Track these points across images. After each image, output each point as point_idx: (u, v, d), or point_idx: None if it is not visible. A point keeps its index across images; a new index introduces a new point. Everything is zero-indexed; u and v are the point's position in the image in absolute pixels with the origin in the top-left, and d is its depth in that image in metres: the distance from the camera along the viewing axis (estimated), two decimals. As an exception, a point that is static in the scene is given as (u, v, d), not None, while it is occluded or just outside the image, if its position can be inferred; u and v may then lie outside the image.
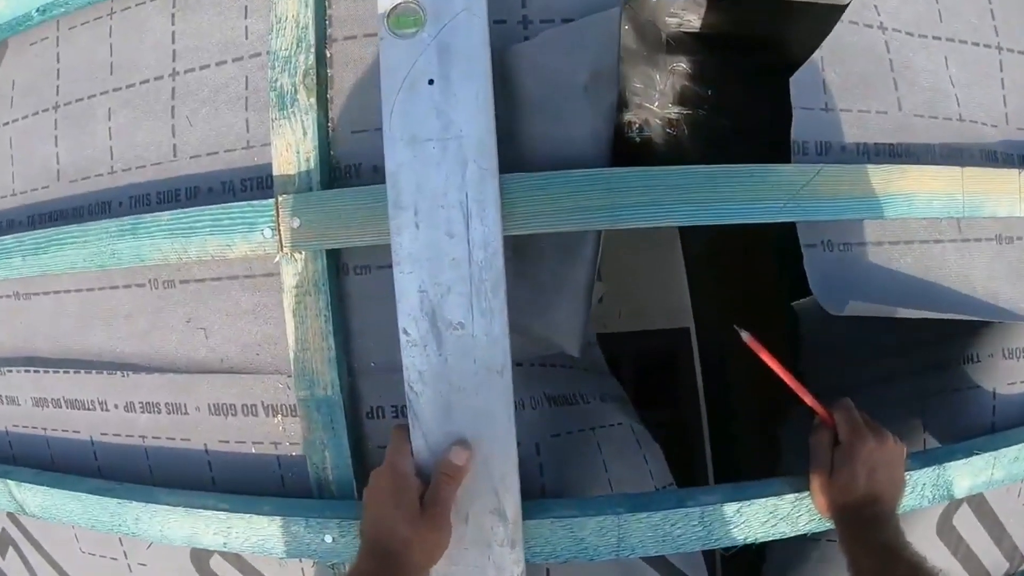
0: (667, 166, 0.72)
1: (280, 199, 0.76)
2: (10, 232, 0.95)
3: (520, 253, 0.75)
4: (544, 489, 0.81)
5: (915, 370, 1.01)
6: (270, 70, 0.79)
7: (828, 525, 0.77)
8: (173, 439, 0.89)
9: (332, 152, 0.79)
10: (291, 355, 0.79)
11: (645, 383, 1.48)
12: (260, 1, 0.82)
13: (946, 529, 0.91)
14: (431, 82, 0.69)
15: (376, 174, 0.76)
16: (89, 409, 0.93)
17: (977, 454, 0.82)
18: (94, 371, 0.91)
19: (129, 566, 0.96)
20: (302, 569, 0.85)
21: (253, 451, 0.85)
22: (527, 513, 0.74)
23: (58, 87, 0.94)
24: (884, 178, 0.76)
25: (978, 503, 0.91)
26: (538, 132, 0.74)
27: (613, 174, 0.72)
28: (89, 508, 0.88)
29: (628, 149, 1.38)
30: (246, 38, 0.83)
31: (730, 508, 0.76)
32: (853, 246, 0.80)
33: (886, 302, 0.79)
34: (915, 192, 0.77)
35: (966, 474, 0.82)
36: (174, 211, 0.81)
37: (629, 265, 1.48)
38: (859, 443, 0.73)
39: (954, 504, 0.90)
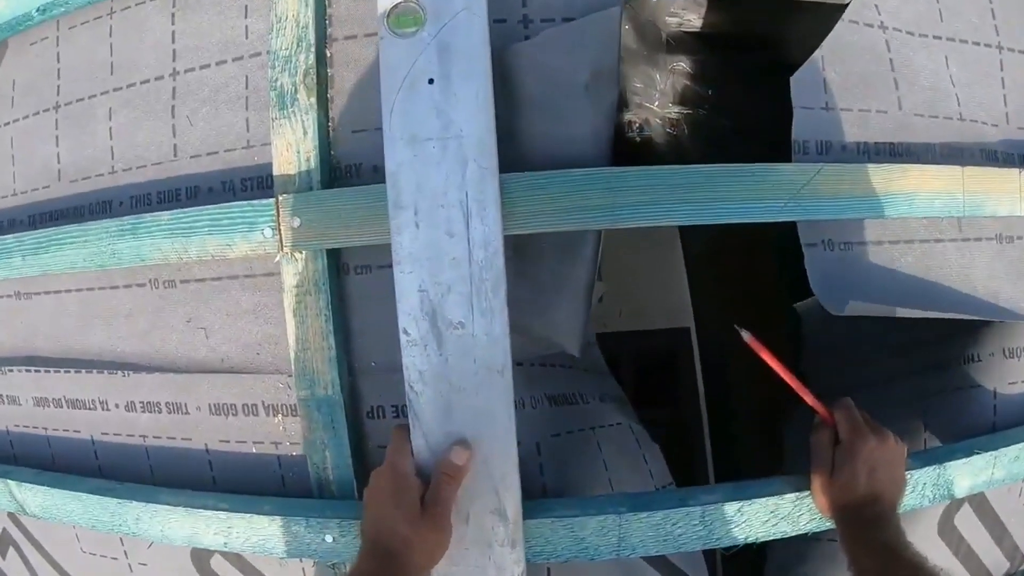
0: (667, 165, 0.72)
1: (280, 199, 0.76)
2: (11, 232, 0.95)
3: (520, 252, 0.75)
4: (545, 489, 0.81)
5: (915, 370, 1.01)
6: (270, 69, 0.79)
7: (829, 524, 0.77)
8: (174, 439, 0.89)
9: (332, 152, 0.79)
10: (292, 355, 0.79)
11: (645, 383, 1.48)
12: (260, 1, 0.82)
13: (947, 529, 0.91)
14: (431, 81, 0.69)
15: (376, 174, 0.76)
16: (90, 409, 0.93)
17: (978, 453, 0.82)
18: (95, 371, 0.91)
19: (130, 566, 0.96)
20: (303, 569, 0.85)
21: (254, 451, 0.85)
22: (528, 513, 0.74)
23: (58, 87, 0.94)
24: (885, 177, 0.76)
25: (979, 502, 0.91)
26: (538, 131, 0.74)
27: (613, 173, 0.72)
28: (90, 508, 0.88)
29: (628, 149, 1.38)
30: (246, 38, 0.83)
31: (731, 507, 0.76)
32: (854, 245, 0.80)
33: (886, 301, 0.79)
34: (916, 191, 0.77)
35: (967, 474, 0.82)
36: (174, 211, 0.81)
37: (629, 265, 1.48)
38: (860, 442, 0.73)
39: (955, 504, 0.90)
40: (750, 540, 0.77)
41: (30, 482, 0.92)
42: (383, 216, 0.71)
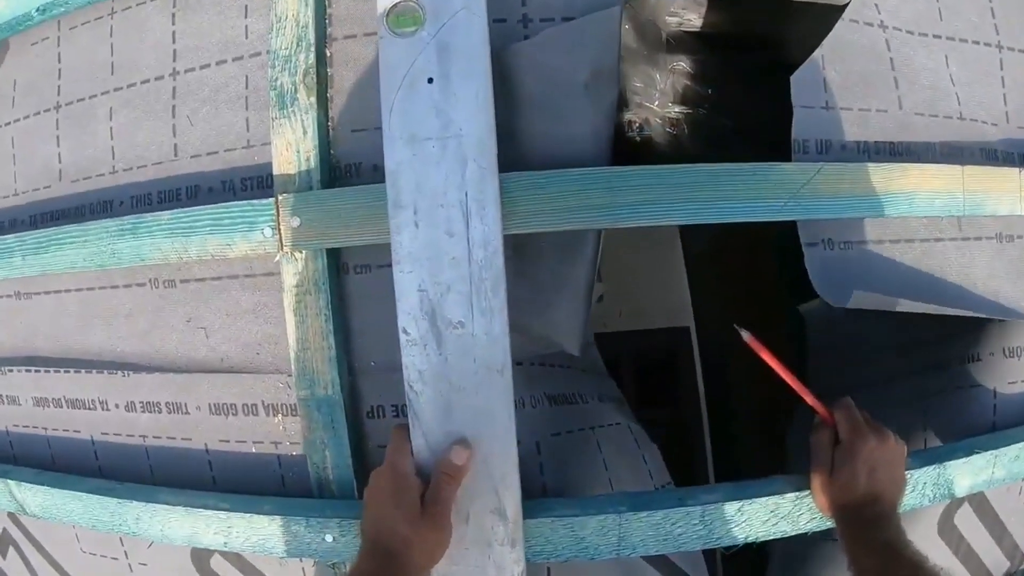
0: (667, 164, 0.72)
1: (280, 198, 0.76)
2: (12, 232, 0.95)
3: (520, 252, 0.75)
4: (545, 488, 0.81)
5: (915, 370, 1.01)
6: (270, 69, 0.79)
7: (829, 524, 0.77)
8: (174, 439, 0.89)
9: (332, 151, 0.79)
10: (291, 354, 0.79)
11: (646, 382, 1.48)
12: (260, 0, 0.82)
13: (947, 528, 0.91)
14: (430, 81, 0.69)
15: (376, 173, 0.76)
16: (90, 409, 0.93)
17: (978, 453, 0.82)
18: (95, 371, 0.91)
19: (130, 566, 0.96)
20: (303, 568, 0.85)
21: (253, 451, 0.85)
22: (528, 512, 0.74)
23: (59, 87, 0.94)
24: (885, 176, 0.76)
25: (979, 502, 0.91)
26: (538, 130, 0.74)
27: (613, 173, 0.72)
28: (90, 508, 0.88)
29: (628, 148, 1.38)
30: (246, 37, 0.83)
31: (731, 507, 0.76)
32: (854, 244, 0.80)
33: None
34: (916, 190, 0.77)
35: (967, 473, 0.82)
36: (174, 210, 0.81)
37: (629, 264, 1.48)
38: (860, 442, 0.73)
39: (955, 503, 0.90)
40: (750, 540, 0.77)
41: (30, 482, 0.92)
42: (383, 215, 0.71)
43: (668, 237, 1.52)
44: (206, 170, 0.84)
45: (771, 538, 0.78)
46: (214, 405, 0.86)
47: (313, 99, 0.77)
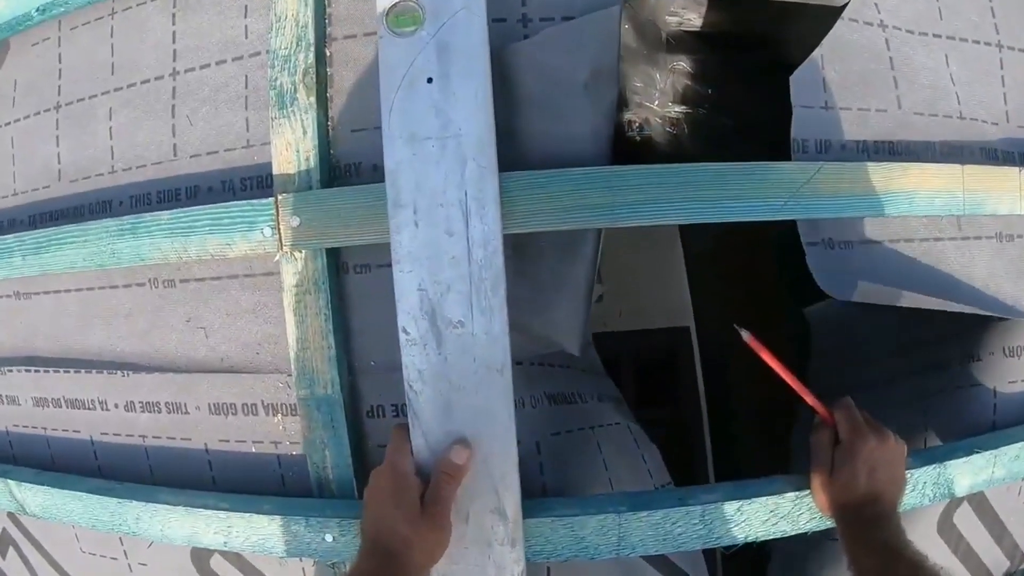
0: (667, 164, 0.72)
1: (280, 198, 0.76)
2: (11, 232, 0.95)
3: (520, 251, 0.75)
4: (545, 488, 0.81)
5: (915, 370, 1.01)
6: (270, 69, 0.79)
7: (829, 524, 0.77)
8: (173, 438, 0.89)
9: (332, 151, 0.79)
10: (291, 354, 0.79)
11: (646, 382, 1.48)
12: (260, 0, 0.82)
13: (947, 527, 0.91)
14: (430, 80, 0.69)
15: (376, 173, 0.76)
16: (89, 409, 0.93)
17: (978, 452, 0.82)
18: (94, 371, 0.91)
19: (130, 566, 0.96)
20: (303, 568, 0.85)
21: (253, 450, 0.85)
22: (527, 512, 0.74)
23: (59, 87, 0.94)
24: (885, 176, 0.76)
25: (979, 501, 0.91)
26: (538, 130, 0.74)
27: (613, 172, 0.72)
28: (90, 508, 0.88)
29: (628, 148, 1.37)
30: (246, 37, 0.83)
31: (731, 506, 0.76)
32: (854, 244, 0.80)
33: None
34: (916, 190, 0.77)
35: (967, 472, 0.82)
36: (174, 210, 0.81)
37: (629, 264, 1.48)
38: (860, 442, 0.73)
39: (955, 502, 0.90)
40: (750, 539, 0.77)
41: (30, 482, 0.92)
42: (382, 215, 0.71)
43: (668, 237, 1.52)
44: (206, 170, 0.84)
45: (771, 538, 0.78)
46: (214, 405, 0.86)
47: (313, 99, 0.77)
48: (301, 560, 0.84)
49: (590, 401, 0.91)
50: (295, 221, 0.76)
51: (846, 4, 0.80)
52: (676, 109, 1.37)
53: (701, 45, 1.37)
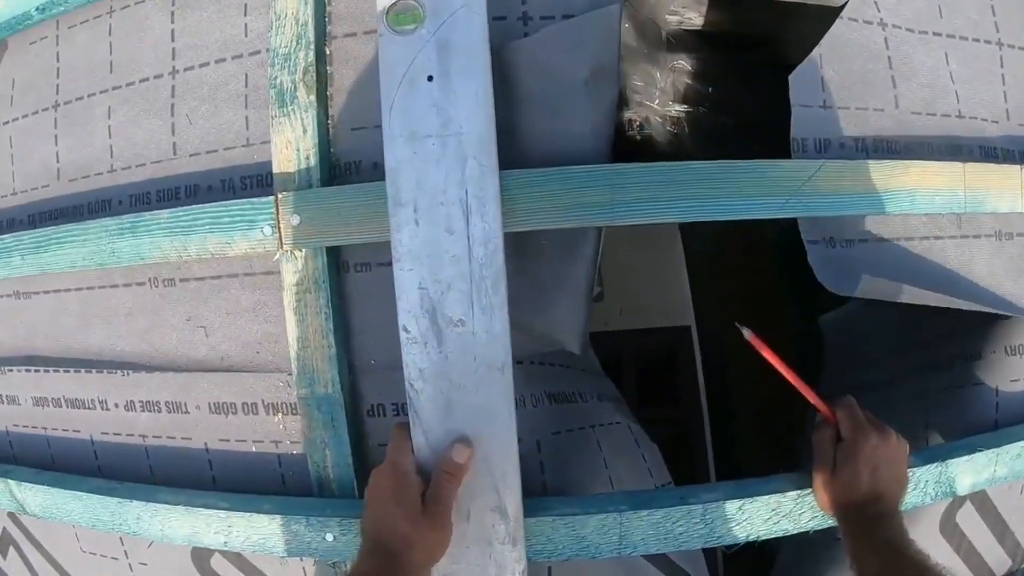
0: (668, 162, 0.72)
1: (280, 196, 0.76)
2: (11, 231, 0.95)
3: (520, 250, 0.75)
4: (545, 486, 0.81)
5: (917, 369, 1.01)
6: (270, 67, 0.79)
7: (831, 522, 0.77)
8: (173, 438, 0.88)
9: (332, 149, 0.79)
10: (291, 353, 0.79)
11: (646, 381, 1.48)
12: (259, -1, 0.82)
13: (949, 526, 0.91)
14: (430, 79, 0.69)
15: (376, 171, 0.76)
16: (89, 408, 0.93)
17: (980, 451, 0.81)
18: (94, 370, 0.91)
19: (130, 565, 0.96)
20: (303, 568, 0.85)
21: (254, 450, 0.85)
22: (528, 511, 0.74)
23: (58, 86, 0.94)
24: (886, 173, 0.76)
25: (981, 500, 0.91)
26: (538, 128, 0.73)
27: (614, 170, 0.71)
28: (90, 507, 0.88)
29: (629, 147, 1.38)
30: (246, 36, 0.83)
31: (732, 505, 0.76)
32: (855, 243, 0.80)
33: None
34: (917, 188, 0.77)
35: (969, 471, 0.81)
36: (173, 209, 0.81)
37: (630, 263, 1.48)
38: (862, 440, 0.73)
39: (957, 501, 0.90)
40: (751, 538, 0.77)
41: (30, 482, 0.92)
42: (383, 214, 0.71)
43: (669, 236, 1.52)
44: (205, 169, 0.84)
45: (772, 537, 0.78)
46: (214, 404, 0.85)
47: (313, 97, 0.77)
48: (302, 560, 0.84)
49: (590, 400, 0.91)
50: (295, 220, 0.75)
51: (845, 3, 0.80)
52: (676, 108, 1.37)
53: (701, 44, 1.37)
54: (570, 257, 0.76)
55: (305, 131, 0.77)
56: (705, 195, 0.72)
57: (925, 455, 0.82)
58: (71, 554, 1.01)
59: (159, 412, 0.88)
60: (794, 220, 0.76)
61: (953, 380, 0.93)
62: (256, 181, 0.81)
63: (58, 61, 0.95)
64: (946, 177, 0.78)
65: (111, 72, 0.90)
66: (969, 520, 0.92)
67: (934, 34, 0.86)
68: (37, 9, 0.92)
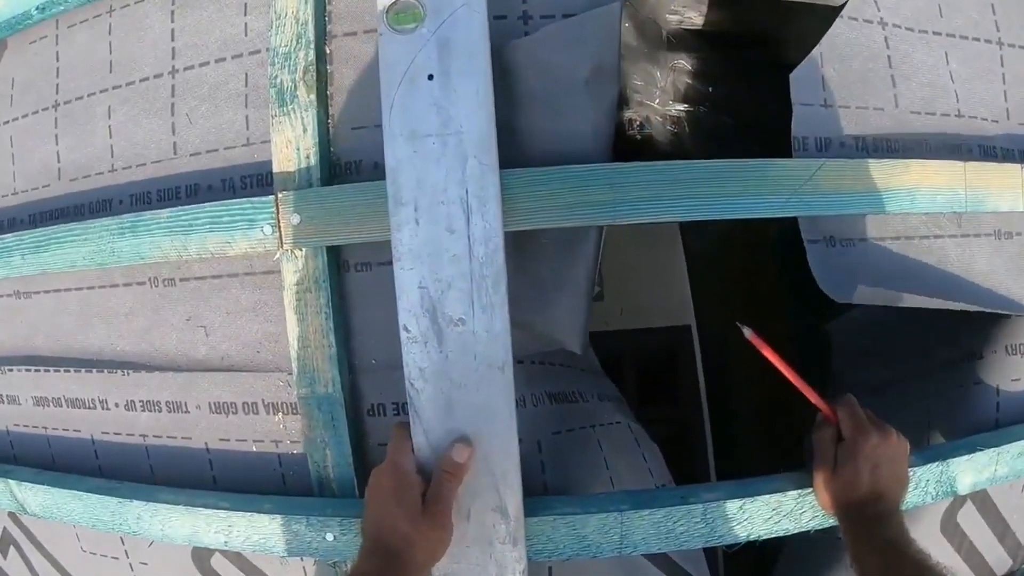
0: (669, 161, 0.72)
1: (280, 196, 0.76)
2: (11, 231, 0.95)
3: (521, 249, 0.75)
4: (546, 486, 0.81)
5: (920, 370, 1.01)
6: (270, 67, 0.78)
7: (832, 522, 0.77)
8: (174, 437, 0.88)
9: (332, 149, 0.78)
10: (292, 353, 0.79)
11: (647, 381, 1.48)
12: (259, -2, 0.82)
13: (950, 526, 0.91)
14: (431, 78, 0.69)
15: (376, 170, 0.76)
16: (90, 408, 0.93)
17: (981, 450, 0.81)
18: (94, 370, 0.91)
19: (131, 565, 0.96)
20: (303, 568, 0.85)
21: (254, 449, 0.85)
22: (529, 510, 0.74)
23: (58, 85, 0.94)
24: (887, 173, 0.76)
25: (982, 499, 0.91)
26: (539, 127, 0.73)
27: (615, 169, 0.71)
28: (90, 507, 0.87)
29: (629, 146, 1.37)
30: (245, 35, 0.83)
31: (733, 505, 0.76)
32: (855, 242, 0.80)
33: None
34: (917, 187, 0.77)
35: (970, 470, 0.81)
36: (173, 209, 0.80)
37: (630, 263, 1.48)
38: (862, 439, 0.73)
39: (958, 500, 0.90)
40: (752, 538, 0.77)
41: (31, 481, 0.92)
42: (383, 213, 0.71)
43: (669, 235, 1.52)
44: (205, 168, 0.84)
45: (773, 536, 0.78)
46: (214, 404, 0.85)
47: (313, 96, 0.77)
48: (302, 559, 0.84)
49: (591, 400, 0.91)
50: (295, 219, 0.75)
51: (845, 2, 0.80)
52: (677, 107, 1.37)
53: (702, 43, 1.37)
54: (571, 256, 0.76)
55: (305, 130, 0.77)
56: (706, 194, 0.72)
57: (926, 454, 0.82)
58: (72, 554, 1.01)
59: (159, 412, 0.88)
60: (794, 219, 0.76)
61: (954, 379, 0.93)
62: (256, 180, 0.81)
63: (58, 61, 0.94)
64: (946, 176, 0.78)
65: (111, 71, 0.90)
66: (970, 519, 0.92)
67: (934, 33, 0.86)
68: (37, 8, 0.92)
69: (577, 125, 0.73)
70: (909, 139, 0.82)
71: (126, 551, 0.95)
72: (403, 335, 0.70)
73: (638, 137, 1.37)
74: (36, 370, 0.96)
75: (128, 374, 0.89)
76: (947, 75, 0.86)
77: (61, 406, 0.95)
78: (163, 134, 0.86)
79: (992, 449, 0.82)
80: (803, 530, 0.78)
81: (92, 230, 0.84)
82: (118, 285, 0.89)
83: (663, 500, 0.76)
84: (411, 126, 0.69)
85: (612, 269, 1.44)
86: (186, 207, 0.80)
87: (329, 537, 0.77)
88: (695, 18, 1.34)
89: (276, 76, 0.78)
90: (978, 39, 0.89)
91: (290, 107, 0.77)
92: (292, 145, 0.77)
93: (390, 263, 0.71)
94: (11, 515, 1.04)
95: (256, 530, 0.80)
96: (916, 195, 0.77)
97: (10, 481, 0.94)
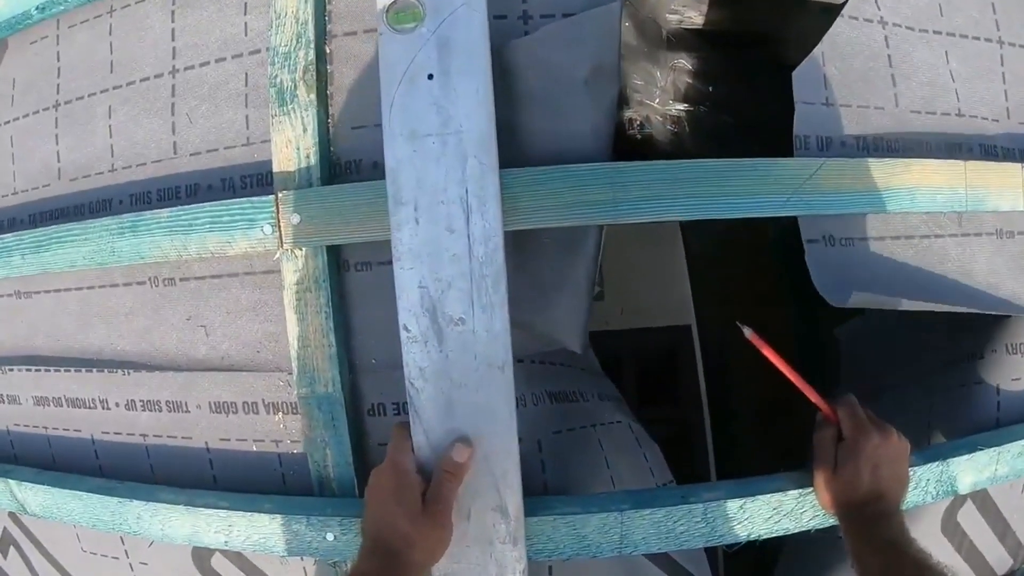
0: (669, 160, 0.72)
1: (280, 195, 0.76)
2: (12, 231, 0.95)
3: (521, 248, 0.75)
4: (546, 486, 0.81)
5: (921, 371, 1.01)
6: (270, 66, 0.78)
7: (832, 521, 0.77)
8: (174, 437, 0.88)
9: (332, 148, 0.78)
10: (292, 352, 0.79)
11: (647, 380, 1.48)
12: (259, -3, 0.82)
13: (950, 525, 0.91)
14: (430, 77, 0.69)
15: (376, 170, 0.76)
16: (90, 408, 0.93)
17: (981, 450, 0.81)
18: (95, 369, 0.91)
19: (131, 565, 0.96)
20: (304, 567, 0.85)
21: (254, 449, 0.85)
22: (529, 510, 0.74)
23: (58, 85, 0.94)
24: (887, 172, 0.76)
25: (982, 499, 0.91)
26: (539, 127, 0.73)
27: (615, 168, 0.71)
28: (90, 507, 0.87)
29: (629, 146, 1.37)
30: (245, 35, 0.83)
31: (733, 504, 0.76)
32: (855, 241, 0.80)
33: (889, 296, 0.79)
34: (918, 186, 0.77)
35: (970, 470, 0.81)
36: (173, 208, 0.80)
37: (631, 262, 1.48)
38: (863, 439, 0.73)
39: (958, 500, 0.89)
40: (753, 537, 0.77)
41: (31, 481, 0.92)
42: (383, 212, 0.71)
43: (669, 235, 1.52)
44: (206, 168, 0.84)
45: (773, 535, 0.78)
46: (214, 403, 0.85)
47: (313, 96, 0.77)
48: (302, 559, 0.84)
49: (591, 399, 0.91)
50: (295, 219, 0.75)
51: (846, 1, 0.80)
52: (677, 107, 1.37)
53: (702, 43, 1.37)
54: (571, 256, 0.76)
55: (305, 130, 0.77)
56: (707, 193, 0.72)
57: (926, 454, 0.82)
58: (72, 554, 1.01)
59: (160, 411, 0.88)
60: (795, 219, 0.76)
61: (955, 379, 0.93)
62: (256, 180, 0.81)
63: (58, 61, 0.94)
64: (947, 175, 0.78)
65: (111, 71, 0.90)
66: (970, 519, 0.91)
67: (934, 32, 0.86)
68: (37, 8, 0.92)
69: (577, 125, 0.73)
70: (909, 138, 0.82)
71: (126, 551, 0.95)
72: (403, 335, 0.70)
73: (638, 137, 1.37)
74: (36, 370, 0.96)
75: (128, 374, 0.89)
76: (947, 74, 0.86)
77: (61, 406, 0.95)
78: (163, 134, 0.86)
79: (992, 448, 0.82)
80: (804, 529, 0.78)
81: (92, 230, 0.84)
82: (118, 285, 0.89)
83: (663, 500, 0.76)
84: (411, 125, 0.69)
85: (612, 269, 1.44)
86: (186, 207, 0.80)
87: (329, 537, 0.77)
88: (695, 17, 1.34)
89: (276, 76, 0.78)
90: (978, 38, 0.89)
91: (290, 107, 0.77)
92: (292, 145, 0.77)
93: (390, 262, 0.71)
94: (11, 515, 1.04)
95: (256, 530, 0.80)
96: (916, 194, 0.77)
97: (10, 481, 0.94)
